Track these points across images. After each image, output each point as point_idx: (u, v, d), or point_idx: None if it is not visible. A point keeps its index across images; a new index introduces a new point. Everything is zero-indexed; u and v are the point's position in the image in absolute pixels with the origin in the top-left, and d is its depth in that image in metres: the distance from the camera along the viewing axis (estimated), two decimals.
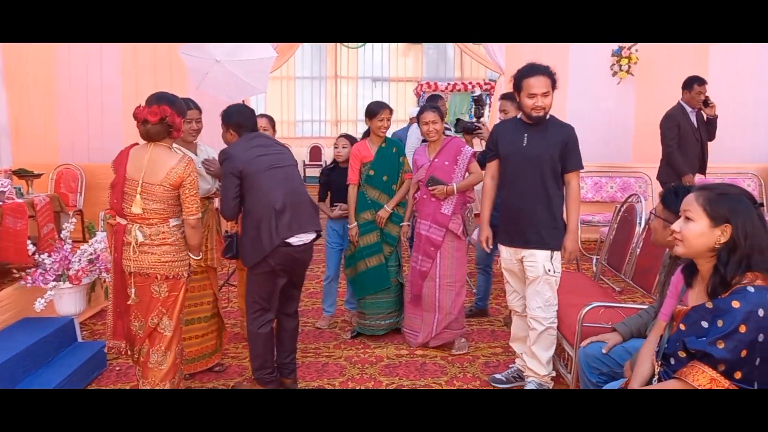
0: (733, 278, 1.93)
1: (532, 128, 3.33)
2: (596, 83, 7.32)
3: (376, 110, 4.31)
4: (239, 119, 3.47)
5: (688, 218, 2.03)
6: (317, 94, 14.96)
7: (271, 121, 4.30)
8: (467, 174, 4.18)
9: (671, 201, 2.53)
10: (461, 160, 4.16)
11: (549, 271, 3.34)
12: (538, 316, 3.38)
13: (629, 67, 7.31)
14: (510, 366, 3.81)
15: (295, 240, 3.30)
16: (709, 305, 1.94)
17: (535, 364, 3.44)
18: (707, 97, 5.86)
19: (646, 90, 7.43)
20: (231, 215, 3.36)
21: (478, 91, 5.02)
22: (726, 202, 1.97)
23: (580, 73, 7.26)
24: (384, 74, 14.87)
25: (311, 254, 3.51)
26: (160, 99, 2.97)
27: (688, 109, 5.88)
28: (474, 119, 4.66)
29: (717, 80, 7.35)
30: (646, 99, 7.45)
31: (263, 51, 5.21)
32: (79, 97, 7.09)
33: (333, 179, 4.62)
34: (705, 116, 5.91)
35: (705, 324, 1.93)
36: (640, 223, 4.12)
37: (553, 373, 3.51)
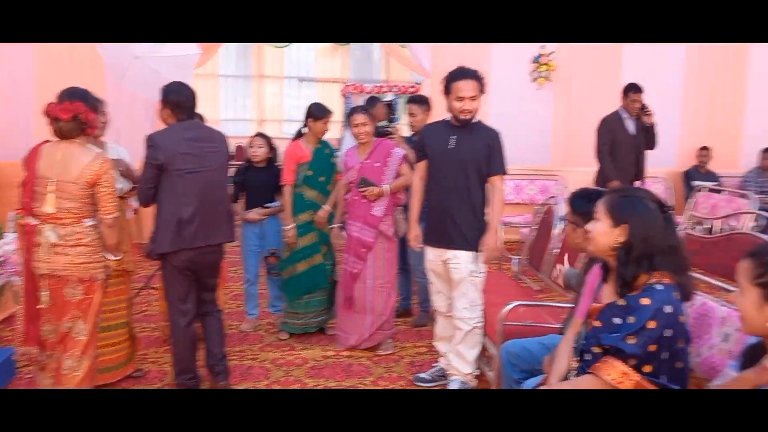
0: (634, 277, 2.03)
1: (459, 131, 3.41)
2: (517, 88, 7.53)
3: (322, 114, 4.32)
4: (177, 98, 3.30)
5: (596, 219, 2.14)
6: (242, 92, 14.71)
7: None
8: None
9: (577, 205, 2.65)
10: (392, 161, 4.16)
11: (473, 272, 3.41)
12: (465, 317, 3.45)
13: (548, 73, 7.56)
14: (434, 365, 3.87)
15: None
16: (622, 302, 2.03)
17: (461, 362, 3.52)
18: (644, 105, 5.88)
19: (564, 95, 7.70)
20: (145, 202, 3.31)
21: (390, 96, 5.08)
22: (626, 204, 2.08)
23: (502, 79, 7.45)
24: (310, 74, 14.78)
25: (219, 256, 3.47)
26: (72, 95, 2.86)
27: (625, 115, 5.88)
28: (389, 124, 4.74)
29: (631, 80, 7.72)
30: (564, 104, 7.73)
31: (186, 48, 5.07)
32: (17, 92, 6.70)
33: (248, 179, 4.57)
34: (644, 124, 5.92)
35: (617, 320, 2.03)
36: (557, 224, 4.28)
37: (477, 372, 3.59)
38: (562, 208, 4.41)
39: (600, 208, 2.15)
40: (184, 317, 3.34)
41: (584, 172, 7.56)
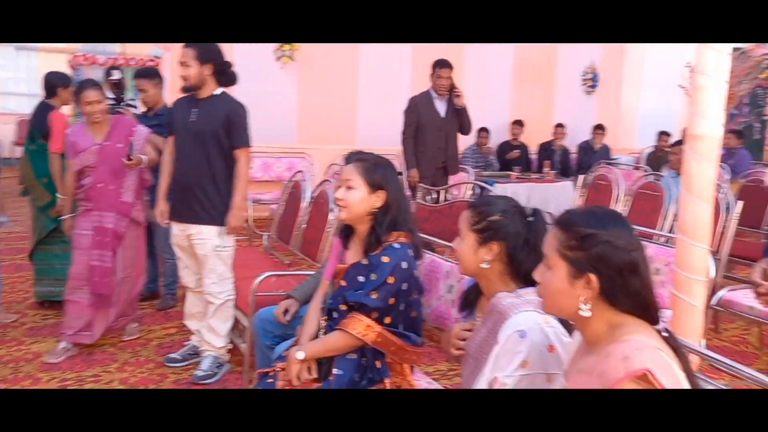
0: (384, 235, 2.23)
1: (200, 103, 3.34)
2: (262, 67, 7.55)
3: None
4: None
5: (350, 187, 2.27)
6: None
7: None
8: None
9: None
10: (135, 140, 3.80)
11: (218, 246, 3.40)
12: (214, 292, 3.43)
13: (291, 53, 7.70)
14: (184, 344, 3.79)
15: None
16: (365, 261, 2.21)
17: (213, 337, 3.49)
18: (453, 84, 5.37)
19: (307, 75, 7.92)
20: None
21: (116, 74, 4.66)
22: (381, 170, 2.27)
23: (246, 55, 7.42)
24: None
25: None
26: None
27: (435, 95, 5.41)
28: (116, 103, 4.40)
29: (366, 69, 8.21)
30: (308, 84, 7.96)
31: None
32: None
33: None
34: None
35: (361, 278, 2.20)
36: (305, 198, 4.43)
37: (230, 345, 3.59)
38: (309, 183, 4.58)
39: (354, 176, 2.27)
40: None
41: (329, 150, 7.94)
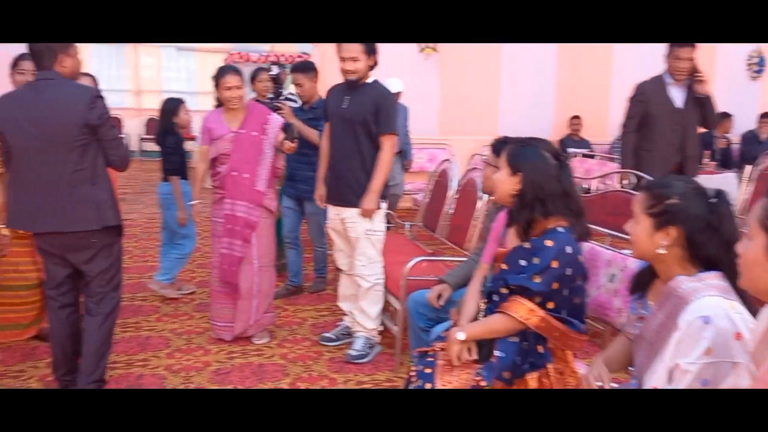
0: (528, 221, 2.19)
1: (351, 91, 3.49)
2: (405, 58, 7.66)
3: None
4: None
5: (500, 168, 2.30)
6: (115, 61, 13.91)
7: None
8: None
9: (498, 149, 2.78)
10: (270, 129, 3.74)
11: (368, 230, 3.51)
12: (364, 274, 3.55)
13: (435, 45, 7.74)
14: (338, 324, 3.95)
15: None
16: (527, 245, 2.19)
17: (364, 318, 3.61)
18: (696, 68, 4.33)
19: (450, 66, 7.94)
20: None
21: (275, 70, 4.79)
22: (520, 153, 2.25)
23: (389, 49, 7.56)
24: (190, 43, 14.22)
25: (84, 242, 2.83)
26: None
27: (670, 80, 4.43)
28: (275, 98, 4.52)
29: (509, 58, 8.10)
30: (450, 75, 7.98)
31: None
32: None
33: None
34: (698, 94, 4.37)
35: (523, 262, 2.18)
36: (452, 187, 4.45)
37: (381, 327, 3.70)
38: (456, 170, 4.60)
39: (501, 159, 2.31)
40: (52, 302, 2.98)
41: (470, 141, 7.92)
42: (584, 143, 8.00)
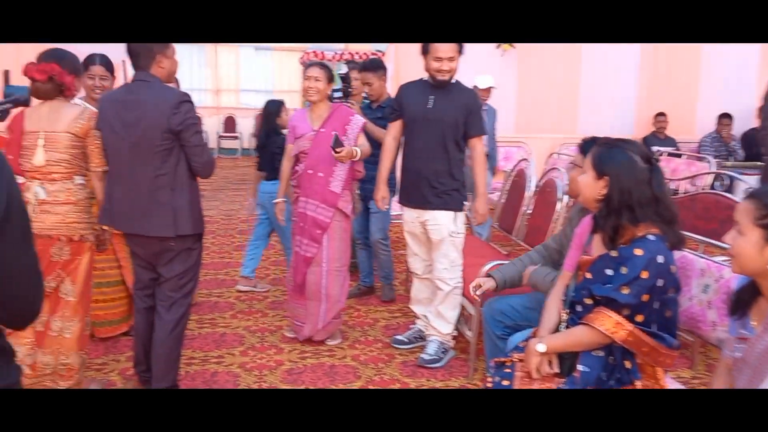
0: (615, 228, 2.05)
1: (437, 91, 3.39)
2: (483, 56, 7.51)
3: None
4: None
5: (584, 170, 2.17)
6: (196, 60, 14.33)
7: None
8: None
9: (588, 150, 2.63)
10: (351, 130, 3.69)
11: (452, 232, 3.42)
12: (445, 278, 3.46)
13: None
14: (411, 327, 3.88)
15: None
16: (614, 254, 2.05)
17: (441, 323, 3.53)
18: None
19: (528, 63, 7.73)
20: None
21: (344, 68, 4.67)
22: (607, 155, 2.10)
23: (467, 46, 7.44)
24: (267, 42, 14.47)
25: (163, 246, 2.85)
26: (48, 56, 2.76)
27: None
28: (342, 97, 4.44)
29: (589, 54, 7.82)
30: (528, 72, 7.77)
31: None
32: None
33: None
34: None
35: (609, 271, 2.05)
36: (530, 187, 4.31)
37: (455, 332, 3.61)
38: (533, 170, 4.46)
39: (587, 159, 2.18)
40: (136, 302, 3.08)
41: (547, 139, 7.69)
42: (670, 141, 7.61)
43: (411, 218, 3.54)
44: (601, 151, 2.13)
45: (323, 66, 3.72)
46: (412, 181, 3.50)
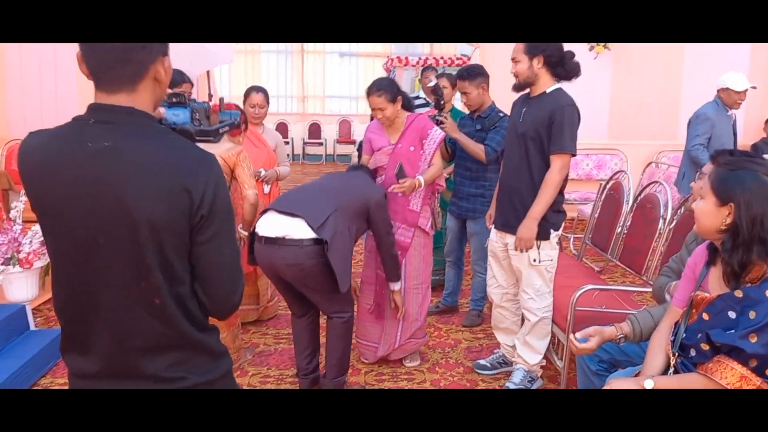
0: (743, 265, 1.74)
1: (530, 101, 3.09)
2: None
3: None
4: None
5: (701, 196, 1.87)
6: (283, 68, 14.52)
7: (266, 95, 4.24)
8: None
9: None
10: (428, 144, 3.46)
11: (534, 261, 3.09)
12: (531, 308, 3.17)
13: (606, 42, 7.14)
14: (495, 351, 3.63)
15: (262, 231, 2.95)
16: (739, 294, 1.75)
17: (528, 353, 3.25)
18: None
19: (623, 66, 7.30)
20: None
21: (433, 81, 4.38)
22: (733, 178, 1.78)
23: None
24: (352, 49, 14.50)
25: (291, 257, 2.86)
26: None
27: None
28: (435, 110, 4.15)
29: (693, 54, 7.28)
30: (623, 75, 7.33)
31: None
32: (29, 64, 6.60)
33: None
34: None
35: (732, 314, 1.75)
36: (627, 202, 3.97)
37: (543, 362, 3.33)
38: (632, 183, 4.11)
39: (705, 183, 1.87)
40: (291, 314, 3.31)
41: (643, 146, 7.21)
42: None
43: (495, 238, 3.29)
44: (723, 174, 1.81)
45: (380, 91, 3.33)
46: (499, 198, 3.25)
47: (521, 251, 3.06)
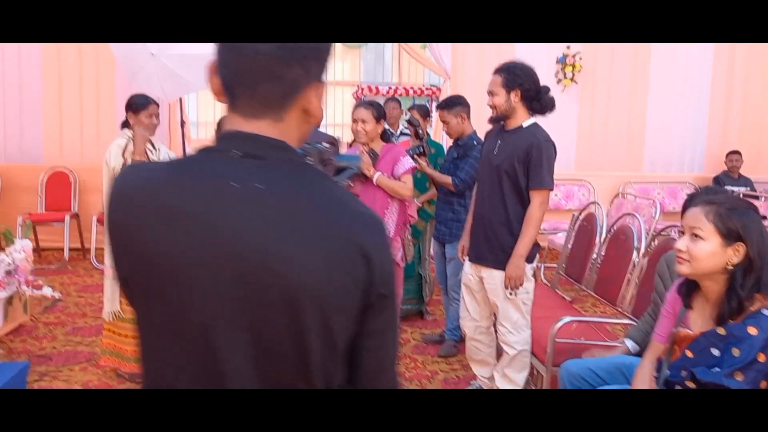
0: (742, 303, 1.79)
1: (506, 135, 3.11)
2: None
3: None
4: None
5: (696, 236, 1.87)
6: None
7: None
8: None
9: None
10: (397, 169, 3.55)
11: (511, 294, 3.09)
12: (509, 341, 3.16)
13: (573, 75, 7.30)
14: (471, 383, 3.61)
15: None
16: (722, 331, 1.78)
17: (507, 385, 3.24)
18: None
19: (589, 98, 7.46)
20: None
21: (408, 116, 4.45)
22: (738, 217, 1.83)
23: None
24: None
25: None
26: None
27: None
28: (417, 139, 4.22)
29: (657, 88, 7.49)
30: (589, 107, 7.49)
31: (202, 46, 4.83)
32: None
33: None
34: None
35: (716, 352, 1.78)
36: (600, 233, 4.02)
37: None
38: (605, 214, 4.17)
39: (703, 224, 1.87)
40: None
41: (611, 177, 7.35)
42: (744, 181, 7.17)
43: (469, 271, 3.29)
44: (726, 213, 1.85)
45: (370, 106, 3.55)
46: (472, 230, 3.26)
47: (512, 290, 3.06)
